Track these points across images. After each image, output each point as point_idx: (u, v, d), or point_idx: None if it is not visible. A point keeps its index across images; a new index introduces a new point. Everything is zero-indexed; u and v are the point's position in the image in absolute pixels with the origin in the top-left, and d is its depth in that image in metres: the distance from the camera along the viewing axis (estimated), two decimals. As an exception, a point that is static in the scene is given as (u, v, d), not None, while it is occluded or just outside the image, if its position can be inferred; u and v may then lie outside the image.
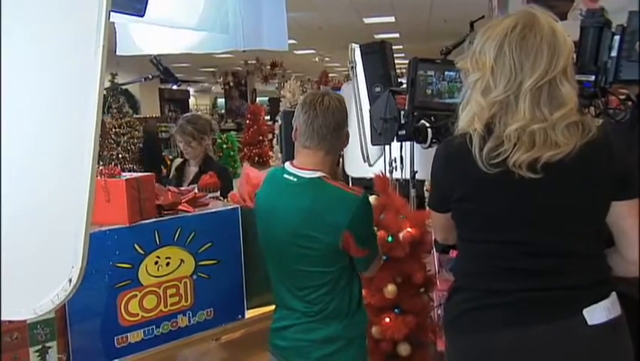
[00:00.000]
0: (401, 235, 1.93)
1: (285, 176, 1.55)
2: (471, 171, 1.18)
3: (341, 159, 3.14)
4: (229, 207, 1.83)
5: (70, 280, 0.96)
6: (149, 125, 8.91)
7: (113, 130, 7.51)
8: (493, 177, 1.17)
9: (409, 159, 2.35)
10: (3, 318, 0.99)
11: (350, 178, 3.14)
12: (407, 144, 2.31)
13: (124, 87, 8.92)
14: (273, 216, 1.54)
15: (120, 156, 7.52)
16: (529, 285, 1.17)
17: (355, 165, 2.83)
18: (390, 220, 1.94)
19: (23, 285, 0.99)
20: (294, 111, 1.60)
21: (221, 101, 20.63)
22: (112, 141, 7.50)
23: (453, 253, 1.67)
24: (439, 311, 2.15)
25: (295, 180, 1.52)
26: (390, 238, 1.93)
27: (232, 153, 11.19)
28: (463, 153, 1.19)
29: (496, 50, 1.17)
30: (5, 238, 0.99)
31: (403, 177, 2.46)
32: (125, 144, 7.64)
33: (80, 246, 0.96)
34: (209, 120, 2.93)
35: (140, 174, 1.69)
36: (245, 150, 12.22)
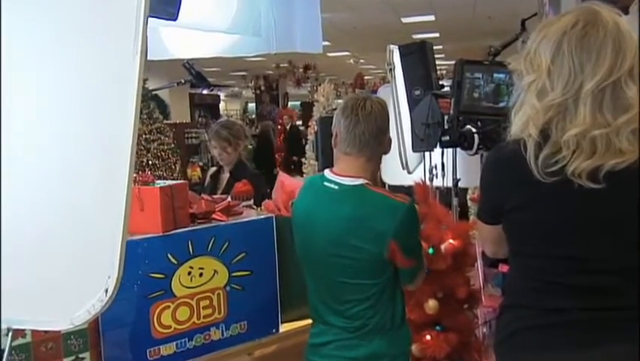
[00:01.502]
0: (443, 246, 1.90)
1: (325, 184, 1.56)
2: (525, 179, 1.15)
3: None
4: (263, 217, 1.85)
5: (106, 291, 0.98)
6: (179, 132, 9.16)
7: (144, 136, 7.70)
8: (550, 187, 1.14)
9: (451, 166, 2.31)
10: (40, 328, 1.02)
11: (387, 186, 3.12)
12: (449, 151, 2.28)
13: (154, 92, 9.17)
14: (313, 226, 1.55)
15: (150, 162, 7.70)
16: (589, 304, 1.14)
17: (393, 172, 2.81)
18: (431, 231, 1.91)
19: (60, 295, 1.02)
20: (331, 117, 1.61)
21: (252, 105, 20.87)
22: (142, 148, 7.69)
23: (502, 268, 1.63)
24: (485, 329, 2.09)
25: (336, 187, 1.53)
26: (431, 250, 1.90)
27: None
28: (516, 160, 1.16)
29: (554, 50, 1.14)
30: (42, 247, 1.03)
31: (445, 184, 2.42)
32: (155, 151, 7.83)
33: (117, 255, 0.99)
34: (244, 126, 2.98)
35: (173, 181, 1.73)
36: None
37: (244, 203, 2.01)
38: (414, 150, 2.10)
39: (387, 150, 1.59)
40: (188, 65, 2.83)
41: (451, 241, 1.90)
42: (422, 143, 2.02)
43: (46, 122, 1.07)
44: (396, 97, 2.41)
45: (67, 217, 1.04)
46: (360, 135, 1.52)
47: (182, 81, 3.01)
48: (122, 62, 1.07)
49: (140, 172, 1.67)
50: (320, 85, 9.13)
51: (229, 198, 2.00)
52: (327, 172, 1.59)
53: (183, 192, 1.71)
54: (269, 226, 1.83)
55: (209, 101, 15.04)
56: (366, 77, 15.75)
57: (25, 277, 1.01)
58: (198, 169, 9.10)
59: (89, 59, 1.07)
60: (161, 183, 1.67)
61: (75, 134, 1.06)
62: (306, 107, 14.12)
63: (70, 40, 1.09)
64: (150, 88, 7.64)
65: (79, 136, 1.06)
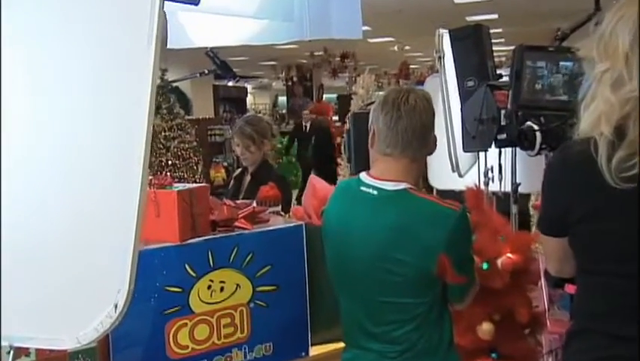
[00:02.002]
0: (500, 261, 1.86)
1: (362, 189, 1.55)
2: (595, 185, 1.13)
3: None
4: (292, 225, 1.85)
5: (116, 306, 1.00)
6: (200, 128, 9.33)
7: (162, 133, 7.86)
8: (625, 194, 1.11)
9: (509, 169, 2.27)
10: (44, 346, 1.04)
11: (435, 191, 3.09)
12: (507, 151, 2.24)
13: (174, 84, 9.36)
14: (348, 237, 1.55)
15: (170, 162, 7.86)
16: None
17: (441, 176, 2.78)
18: (485, 243, 1.87)
19: (65, 310, 1.04)
20: (366, 113, 1.60)
21: (282, 99, 21.06)
22: (161, 146, 7.85)
23: (569, 288, 1.58)
24: (550, 359, 2.04)
25: (375, 193, 1.52)
26: (485, 265, 1.86)
27: (293, 159, 11.35)
28: (585, 162, 1.14)
29: (633, 33, 1.11)
30: (45, 257, 1.05)
31: (502, 190, 2.38)
32: (176, 149, 7.99)
33: (128, 267, 1.00)
34: (271, 123, 3.01)
35: (193, 185, 1.75)
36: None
37: (271, 209, 2.02)
38: (465, 149, 2.07)
39: (432, 150, 1.58)
40: (212, 53, 2.86)
41: (509, 255, 1.85)
42: (474, 141, 1.99)
43: (51, 118, 1.09)
44: (446, 89, 2.38)
45: (73, 224, 1.06)
46: (402, 133, 1.51)
47: (206, 72, 3.04)
48: (136, 51, 1.08)
49: (157, 173, 1.69)
50: (359, 75, 9.12)
51: (254, 204, 2.01)
52: (363, 176, 1.59)
53: (203, 197, 1.73)
54: (298, 236, 1.83)
55: (234, 95, 15.28)
56: (411, 66, 15.64)
57: (27, 290, 1.03)
58: (222, 170, 9.22)
59: (99, 47, 1.09)
60: (179, 186, 1.69)
61: (82, 131, 1.08)
62: (343, 101, 14.11)
63: (78, 28, 1.11)
64: (169, 79, 7.81)
65: (86, 133, 1.08)
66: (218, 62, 2.88)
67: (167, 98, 8.08)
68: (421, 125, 1.52)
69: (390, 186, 1.51)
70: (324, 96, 17.70)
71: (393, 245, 1.46)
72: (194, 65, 3.03)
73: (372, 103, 1.61)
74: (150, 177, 1.66)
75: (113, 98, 1.09)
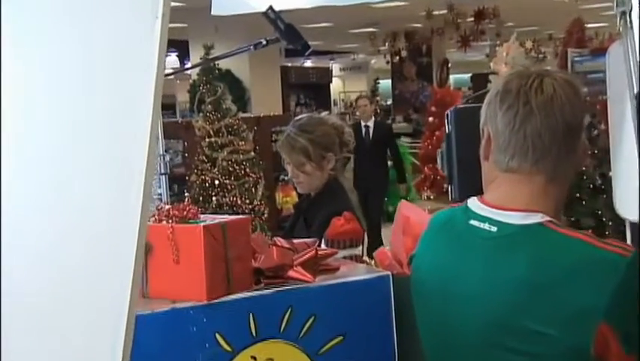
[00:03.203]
0: None
1: (473, 223, 1.58)
2: None
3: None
4: (374, 276, 1.89)
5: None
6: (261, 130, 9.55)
7: (206, 140, 8.12)
8: None
9: None
10: None
11: (628, 225, 3.04)
12: None
13: (222, 66, 9.59)
14: (452, 297, 1.58)
15: (217, 182, 8.08)
16: None
17: (630, 201, 2.71)
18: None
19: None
20: (475, 108, 1.62)
21: (386, 84, 21.20)
22: (204, 159, 8.12)
23: None
24: None
25: (494, 229, 1.54)
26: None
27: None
28: None
29: None
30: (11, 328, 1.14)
31: None
32: (225, 163, 8.19)
33: (120, 340, 1.08)
34: (341, 126, 3.03)
35: (230, 217, 1.84)
36: (425, 170, 12.37)
37: (344, 252, 2.08)
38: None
39: (580, 163, 1.58)
40: (273, 13, 2.75)
41: None
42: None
43: (20, 125, 1.21)
44: (634, 63, 2.32)
45: (53, 277, 1.16)
46: (534, 138, 1.52)
47: (265, 41, 2.91)
48: (135, 31, 1.18)
49: (177, 204, 1.80)
50: (503, 44, 8.95)
51: (323, 245, 2.07)
52: (474, 203, 1.61)
53: (243, 234, 1.82)
54: (383, 293, 1.86)
55: (312, 79, 15.56)
56: (589, 26, 15.15)
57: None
58: (294, 193, 9.39)
59: (84, 28, 1.20)
60: (207, 220, 1.78)
61: (60, 141, 1.19)
62: (479, 82, 14.01)
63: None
64: (212, 57, 8.02)
65: (65, 144, 1.18)
66: (282, 27, 2.78)
67: (213, 88, 8.28)
68: (565, 126, 1.52)
69: (516, 218, 1.52)
70: (451, 78, 17.64)
71: (524, 310, 1.46)
72: (252, 39, 2.95)
73: (484, 93, 1.63)
74: (166, 207, 1.77)
75: (104, 102, 1.19)
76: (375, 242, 6.61)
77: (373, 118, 8.87)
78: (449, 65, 17.58)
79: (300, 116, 3.17)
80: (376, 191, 8.35)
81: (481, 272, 1.53)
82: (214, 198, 7.99)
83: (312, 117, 3.13)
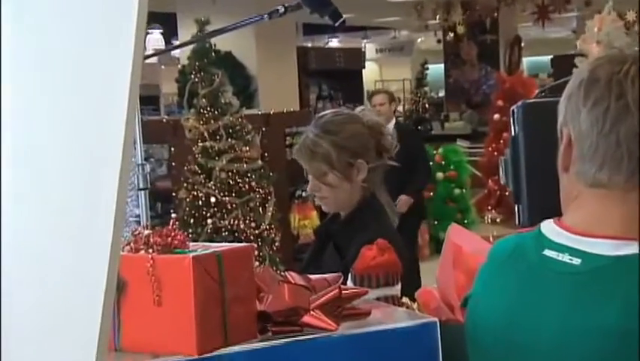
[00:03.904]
0: None
1: (548, 253, 1.59)
2: None
3: None
4: (417, 322, 1.89)
5: None
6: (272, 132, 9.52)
7: (199, 144, 8.13)
8: None
9: None
10: None
11: None
12: None
13: (223, 49, 9.56)
14: (521, 347, 1.59)
15: (213, 200, 8.08)
16: None
17: None
18: None
19: None
20: (550, 104, 1.62)
21: (437, 69, 21.12)
22: (196, 169, 8.13)
23: None
24: None
25: (577, 261, 1.55)
26: None
27: (456, 188, 11.40)
28: None
29: None
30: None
31: None
32: (224, 175, 8.18)
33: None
34: (378, 125, 3.04)
35: (229, 245, 1.85)
36: (489, 183, 12.36)
37: (376, 292, 2.09)
38: None
39: None
40: None
41: None
42: None
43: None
44: None
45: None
46: (629, 143, 1.53)
47: (282, 8, 2.85)
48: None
49: (160, 228, 1.82)
50: (595, 15, 8.86)
51: (350, 282, 2.08)
52: (549, 228, 1.62)
53: (245, 268, 1.83)
54: (428, 344, 1.86)
55: (339, 64, 15.50)
56: None
57: None
58: (314, 213, 9.37)
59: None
60: (198, 249, 1.80)
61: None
62: (563, 67, 13.96)
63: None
64: (208, 33, 7.97)
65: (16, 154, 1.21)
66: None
67: (209, 76, 8.29)
68: None
69: (607, 248, 1.53)
70: (524, 61, 17.53)
71: None
72: (259, 9, 2.88)
73: (563, 83, 1.64)
74: (146, 232, 1.79)
75: (66, 100, 1.22)
76: (410, 279, 6.53)
77: (394, 120, 8.60)
78: (522, 44, 17.54)
79: (323, 113, 3.19)
80: (406, 216, 8.10)
81: (558, 317, 1.54)
82: (209, 221, 7.97)
83: (339, 114, 3.15)
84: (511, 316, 1.62)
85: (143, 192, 3.34)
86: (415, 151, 8.25)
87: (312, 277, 2.01)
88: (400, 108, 25.00)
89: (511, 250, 1.69)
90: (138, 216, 3.38)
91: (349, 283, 2.27)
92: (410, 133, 9.15)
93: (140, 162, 3.34)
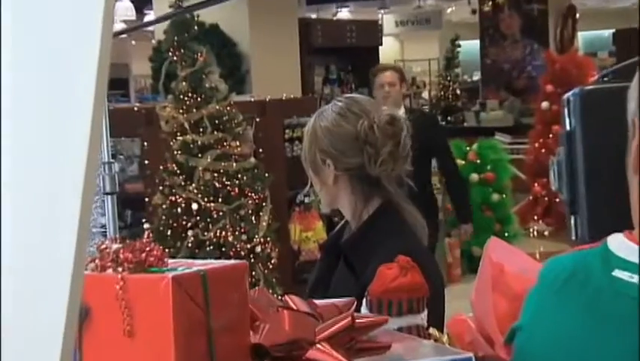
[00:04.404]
0: None
1: (619, 274, 1.59)
2: None
3: None
4: (448, 358, 1.90)
5: None
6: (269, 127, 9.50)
7: (179, 138, 8.13)
8: None
9: None
10: None
11: None
12: None
13: (208, 22, 9.53)
14: None
15: (195, 206, 8.08)
16: None
17: None
18: None
19: None
20: (616, 88, 1.62)
21: (470, 47, 21.13)
22: (174, 169, 8.12)
23: None
24: None
25: None
26: None
27: (494, 193, 11.42)
28: None
29: None
30: None
31: None
32: (210, 176, 8.17)
33: None
34: (370, 112, 3.05)
35: (216, 262, 1.86)
36: (535, 187, 12.38)
37: (398, 320, 2.09)
38: None
39: None
40: None
41: None
42: None
43: None
44: None
45: None
46: None
47: None
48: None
49: (132, 241, 1.82)
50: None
51: (364, 308, 2.08)
52: (618, 243, 1.62)
53: (236, 290, 1.83)
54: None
55: (351, 40, 15.55)
56: None
57: None
58: (319, 224, 9.38)
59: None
60: (179, 267, 1.80)
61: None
62: (627, 45, 14.07)
63: None
64: (190, 5, 7.98)
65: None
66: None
67: (190, 55, 8.27)
68: None
69: None
70: (579, 36, 17.55)
71: None
72: None
73: (632, 65, 1.64)
74: (114, 246, 1.79)
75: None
76: (438, 305, 6.44)
77: (404, 107, 8.23)
78: (576, 16, 17.55)
79: (340, 98, 3.26)
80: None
81: (634, 352, 1.53)
82: (190, 233, 7.97)
83: (352, 98, 3.26)
84: (577, 352, 1.61)
85: (110, 196, 3.33)
86: (435, 144, 8.04)
87: (318, 302, 2.01)
88: (426, 95, 25.07)
89: (570, 271, 1.68)
90: (104, 226, 3.36)
91: (364, 309, 2.27)
92: (427, 121, 8.52)
93: (106, 159, 3.32)
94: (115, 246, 1.79)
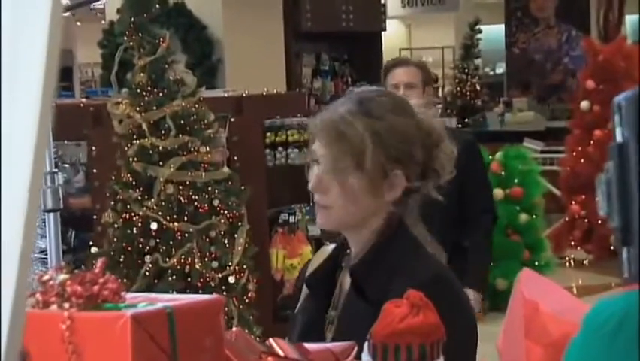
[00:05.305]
0: None
1: None
2: None
3: None
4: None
5: None
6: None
7: (135, 142, 8.16)
8: None
9: None
10: None
11: None
12: None
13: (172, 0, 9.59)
14: None
15: (155, 226, 8.10)
16: None
17: None
18: None
19: None
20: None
21: (494, 33, 21.22)
22: (130, 180, 8.14)
23: None
24: None
25: None
26: None
27: (522, 213, 11.49)
28: None
29: None
30: None
31: None
32: (172, 188, 8.20)
33: None
34: (437, 128, 3.05)
35: (184, 297, 1.87)
36: (572, 206, 12.43)
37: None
38: None
39: None
40: None
41: None
42: None
43: None
44: None
45: None
46: None
47: None
48: None
49: (80, 271, 1.82)
50: None
51: (366, 356, 2.09)
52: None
53: (208, 331, 1.85)
54: None
55: (347, 24, 15.64)
56: None
57: None
58: (307, 248, 9.40)
59: None
60: (139, 302, 1.81)
61: None
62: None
63: None
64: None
65: None
66: None
67: (150, 40, 8.28)
68: None
69: None
70: (627, 22, 17.66)
71: None
72: None
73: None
74: (60, 276, 1.79)
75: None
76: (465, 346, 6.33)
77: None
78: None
79: (361, 88, 3.22)
80: None
81: None
82: (148, 258, 7.94)
83: (384, 94, 3.24)
84: None
85: (52, 214, 3.30)
86: (470, 173, 6.75)
87: (310, 346, 2.02)
88: (439, 91, 25.06)
89: (621, 316, 1.69)
90: (44, 251, 3.32)
91: (365, 356, 2.27)
92: (464, 142, 7.40)
93: (48, 168, 3.28)
94: (60, 276, 1.79)
